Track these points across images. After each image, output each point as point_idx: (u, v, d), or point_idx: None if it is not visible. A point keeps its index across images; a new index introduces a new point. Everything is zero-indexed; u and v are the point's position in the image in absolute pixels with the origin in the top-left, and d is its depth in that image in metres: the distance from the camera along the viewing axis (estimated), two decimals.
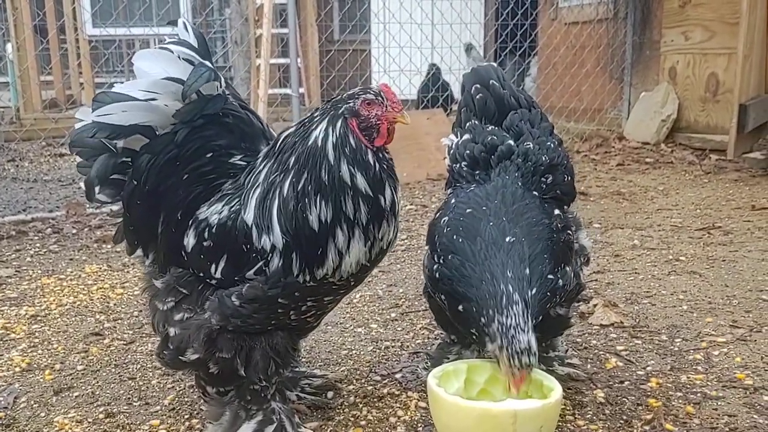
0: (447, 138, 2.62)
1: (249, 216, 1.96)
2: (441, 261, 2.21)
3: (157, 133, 2.01)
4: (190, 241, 2.02)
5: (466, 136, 2.52)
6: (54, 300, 3.55)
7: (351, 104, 1.96)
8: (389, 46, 8.37)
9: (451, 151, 2.55)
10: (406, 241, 4.54)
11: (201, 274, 2.03)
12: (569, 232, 2.35)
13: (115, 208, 2.15)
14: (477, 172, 2.44)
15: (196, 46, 2.04)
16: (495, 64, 2.70)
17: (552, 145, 2.46)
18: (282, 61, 11.27)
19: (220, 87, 2.03)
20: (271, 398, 2.14)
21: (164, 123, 2.00)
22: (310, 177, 1.92)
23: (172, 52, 1.99)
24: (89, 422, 2.34)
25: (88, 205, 5.60)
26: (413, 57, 8.26)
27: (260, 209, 1.96)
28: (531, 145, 2.41)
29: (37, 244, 4.64)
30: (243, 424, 2.11)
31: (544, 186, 2.37)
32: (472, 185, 2.41)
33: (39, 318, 3.31)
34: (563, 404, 2.29)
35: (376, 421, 2.31)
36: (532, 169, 2.37)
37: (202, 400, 2.23)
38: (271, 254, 1.94)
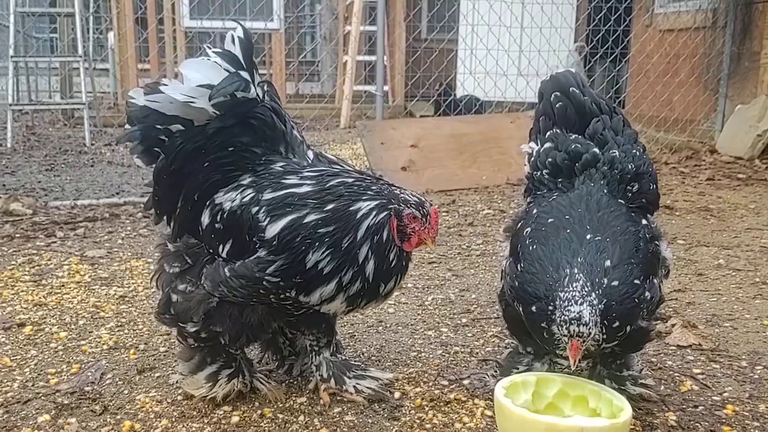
0: (527, 145, 2.61)
1: (261, 212, 2.18)
2: (520, 269, 2.22)
3: (194, 124, 2.26)
4: (205, 220, 2.28)
5: (548, 144, 2.50)
6: (141, 282, 3.73)
7: (400, 208, 2.22)
8: (476, 48, 8.34)
9: (532, 159, 2.54)
10: (481, 246, 4.54)
11: (211, 251, 2.29)
12: (657, 243, 2.32)
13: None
14: (559, 180, 2.43)
15: (240, 57, 2.24)
16: (573, 70, 2.67)
17: (637, 153, 2.43)
18: (368, 58, 11.40)
19: (252, 94, 2.24)
20: (237, 354, 2.46)
21: (201, 119, 2.25)
22: (333, 231, 2.15)
23: (215, 62, 2.22)
24: (168, 402, 2.46)
25: None
26: (500, 60, 8.21)
27: (276, 211, 2.17)
28: (617, 153, 2.39)
29: (128, 227, 4.88)
30: (207, 367, 2.41)
31: (630, 194, 2.36)
32: (555, 193, 2.40)
33: (127, 299, 3.49)
34: (633, 425, 2.25)
35: (441, 426, 2.33)
36: (618, 177, 2.36)
37: (177, 342, 2.48)
38: (268, 246, 2.15)
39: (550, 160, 2.46)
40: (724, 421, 2.38)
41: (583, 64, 9.87)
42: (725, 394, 2.57)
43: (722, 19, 8.10)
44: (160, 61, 11.53)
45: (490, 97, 8.73)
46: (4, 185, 6.18)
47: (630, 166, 2.37)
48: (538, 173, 2.49)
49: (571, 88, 2.53)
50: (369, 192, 2.22)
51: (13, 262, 4.02)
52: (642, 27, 9.31)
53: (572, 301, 2.00)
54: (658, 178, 2.52)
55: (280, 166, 2.29)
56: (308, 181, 2.22)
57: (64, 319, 3.21)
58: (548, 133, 2.54)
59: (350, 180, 2.24)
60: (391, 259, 2.21)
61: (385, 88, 9.91)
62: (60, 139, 8.82)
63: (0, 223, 4.86)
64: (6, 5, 9.09)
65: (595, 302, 2.00)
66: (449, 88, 9.79)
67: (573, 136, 2.48)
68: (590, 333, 1.98)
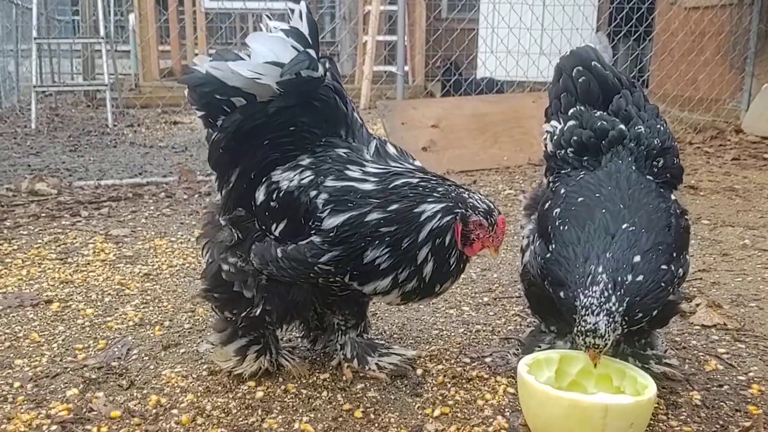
0: (548, 125, 2.59)
1: (320, 199, 2.14)
2: (551, 249, 2.21)
3: (257, 99, 2.20)
4: (260, 196, 2.24)
5: (572, 122, 2.48)
6: (165, 261, 3.77)
7: (468, 214, 2.14)
8: (498, 26, 8.26)
9: (555, 138, 2.51)
10: None
11: (263, 227, 2.25)
12: (687, 217, 2.32)
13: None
14: (585, 158, 2.42)
15: (306, 34, 2.19)
16: (592, 45, 2.62)
17: (661, 128, 2.42)
18: (388, 38, 11.32)
19: (318, 72, 2.19)
20: (268, 331, 2.46)
21: (264, 95, 2.20)
22: (395, 231, 2.10)
23: (283, 37, 2.17)
24: (193, 378, 2.49)
25: (198, 173, 5.88)
26: (522, 38, 8.12)
27: (337, 204, 2.13)
28: (642, 129, 2.38)
29: (152, 207, 4.92)
30: (237, 339, 2.43)
31: (656, 170, 2.35)
32: (581, 172, 2.38)
33: (151, 276, 3.53)
34: (657, 403, 2.24)
35: (463, 402, 2.34)
36: (645, 153, 2.35)
37: (212, 311, 2.53)
38: (324, 236, 2.12)
39: (575, 138, 2.43)
40: (749, 400, 2.36)
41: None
42: (750, 374, 2.55)
43: None
44: (181, 42, 11.56)
45: (512, 76, 8.66)
46: (29, 166, 6.25)
47: (656, 142, 2.36)
48: (562, 152, 2.47)
49: (593, 62, 2.51)
50: (435, 194, 2.15)
51: (40, 241, 4.07)
52: (666, 5, 9.15)
53: (590, 310, 1.98)
54: (682, 158, 2.50)
55: (344, 152, 2.24)
56: (372, 179, 2.16)
57: (90, 297, 3.25)
58: (571, 111, 2.51)
59: (415, 180, 2.17)
60: (451, 262, 2.17)
61: (405, 67, 9.86)
62: (83, 120, 8.89)
63: (26, 202, 4.92)
64: None
65: (613, 308, 1.98)
66: (453, 65, 9.59)
67: (598, 113, 2.46)
68: (606, 344, 2.00)
